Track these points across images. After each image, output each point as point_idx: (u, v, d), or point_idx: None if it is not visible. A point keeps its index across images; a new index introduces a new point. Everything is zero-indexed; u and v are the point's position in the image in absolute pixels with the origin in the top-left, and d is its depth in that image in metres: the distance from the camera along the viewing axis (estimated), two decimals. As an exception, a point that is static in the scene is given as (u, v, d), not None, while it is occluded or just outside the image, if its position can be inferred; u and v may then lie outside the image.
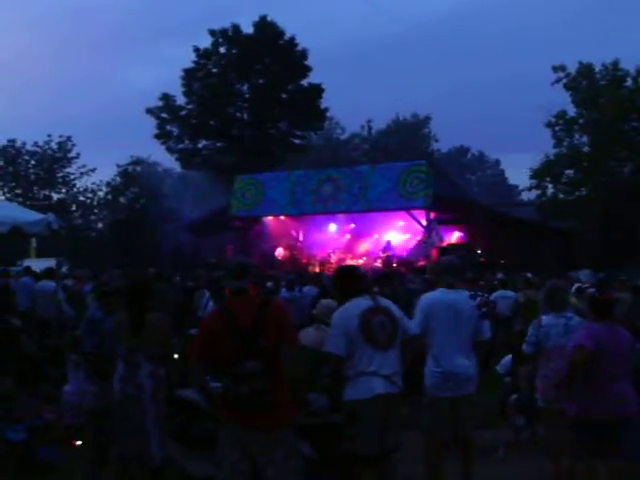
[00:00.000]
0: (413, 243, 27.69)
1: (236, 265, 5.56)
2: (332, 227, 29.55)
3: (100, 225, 49.59)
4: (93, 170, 45.99)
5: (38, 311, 14.92)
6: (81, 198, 46.84)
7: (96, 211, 48.81)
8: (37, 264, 18.87)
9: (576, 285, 15.83)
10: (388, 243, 27.71)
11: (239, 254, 28.13)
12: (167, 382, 6.43)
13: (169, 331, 6.59)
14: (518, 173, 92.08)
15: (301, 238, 29.65)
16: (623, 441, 6.21)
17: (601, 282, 15.40)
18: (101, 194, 47.09)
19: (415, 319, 6.72)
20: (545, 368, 7.21)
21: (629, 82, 35.20)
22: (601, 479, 6.33)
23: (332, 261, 28.39)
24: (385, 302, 6.08)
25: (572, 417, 6.38)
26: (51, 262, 19.01)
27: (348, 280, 6.27)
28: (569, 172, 36.27)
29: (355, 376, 5.84)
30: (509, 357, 10.29)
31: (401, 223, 27.88)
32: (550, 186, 36.50)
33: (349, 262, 28.11)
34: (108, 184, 46.53)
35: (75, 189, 46.67)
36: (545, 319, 7.31)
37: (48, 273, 16.40)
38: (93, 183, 46.52)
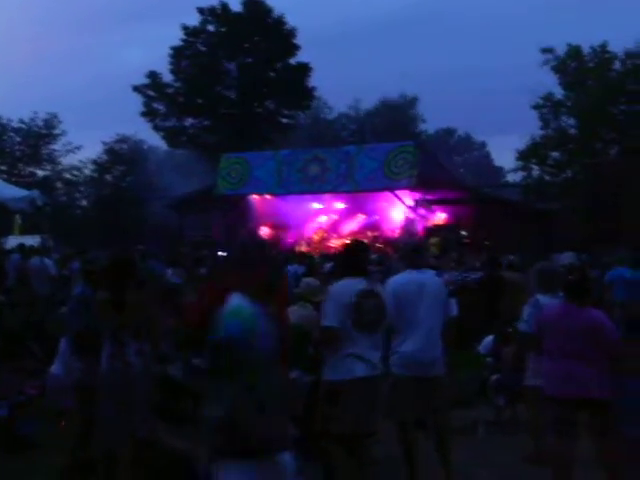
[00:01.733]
0: (399, 224, 27.70)
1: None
2: (318, 207, 29.52)
3: (85, 203, 49.44)
4: (79, 148, 45.84)
5: (32, 288, 14.94)
6: (66, 175, 46.66)
7: (81, 189, 48.65)
8: (21, 241, 18.83)
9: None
10: (374, 223, 27.70)
11: (225, 233, 28.12)
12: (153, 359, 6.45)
13: (154, 308, 6.59)
14: (504, 155, 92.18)
15: (287, 217, 29.59)
16: (604, 423, 6.22)
17: (581, 264, 15.54)
18: (87, 172, 46.95)
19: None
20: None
21: (617, 65, 35.27)
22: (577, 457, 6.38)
23: (316, 241, 28.40)
24: (377, 286, 6.14)
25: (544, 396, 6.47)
26: (35, 239, 18.97)
27: (356, 255, 6.27)
28: (555, 154, 36.36)
29: (337, 357, 5.88)
30: (491, 337, 10.36)
31: (387, 204, 27.88)
32: (536, 168, 36.59)
33: (334, 242, 28.18)
34: (94, 162, 46.38)
35: (60, 166, 46.50)
36: (542, 299, 7.39)
37: (36, 250, 16.44)
38: (79, 161, 46.39)
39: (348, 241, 7.21)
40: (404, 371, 6.62)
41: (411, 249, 7.23)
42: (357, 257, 6.25)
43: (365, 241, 7.32)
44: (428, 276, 6.99)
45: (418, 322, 6.62)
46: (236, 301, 4.02)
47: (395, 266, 14.93)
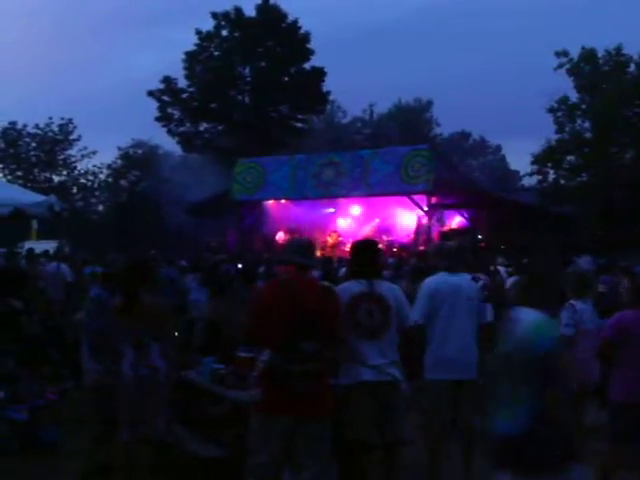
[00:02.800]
0: (414, 228, 27.67)
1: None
2: (333, 211, 29.51)
3: (101, 207, 49.63)
4: (94, 153, 46.09)
5: (48, 293, 15.01)
6: (82, 180, 46.87)
7: (97, 194, 48.83)
8: (38, 246, 18.93)
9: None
10: (389, 228, 27.67)
11: (240, 238, 28.16)
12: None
13: (165, 313, 6.56)
14: (519, 159, 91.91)
15: (302, 222, 29.60)
16: None
17: (602, 268, 15.42)
18: (102, 177, 47.12)
19: (417, 305, 6.61)
20: (576, 351, 7.33)
21: (632, 68, 35.11)
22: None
23: (329, 244, 28.40)
24: (382, 288, 5.91)
25: (609, 401, 6.44)
26: (52, 244, 19.06)
27: (363, 254, 6.19)
28: (571, 158, 36.22)
29: (346, 361, 5.86)
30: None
31: (402, 208, 27.85)
32: (551, 172, 36.46)
33: (349, 247, 28.13)
34: (109, 166, 46.56)
35: (76, 171, 46.69)
36: (577, 304, 7.46)
37: (53, 255, 16.51)
38: (94, 166, 46.58)
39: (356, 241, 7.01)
40: (438, 375, 6.57)
41: (453, 251, 7.17)
42: (361, 258, 6.17)
43: (375, 241, 7.12)
44: (464, 279, 6.91)
45: (453, 325, 6.55)
46: (533, 315, 4.07)
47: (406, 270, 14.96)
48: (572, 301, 7.58)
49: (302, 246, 5.44)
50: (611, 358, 6.45)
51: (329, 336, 5.06)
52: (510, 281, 14.98)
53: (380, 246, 6.66)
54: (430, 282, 6.81)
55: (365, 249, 6.30)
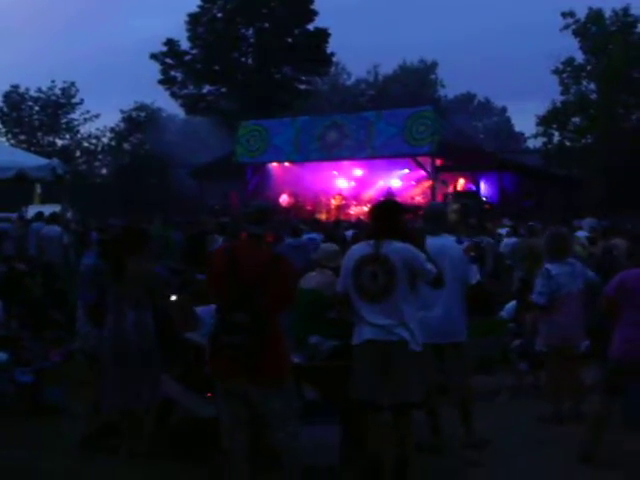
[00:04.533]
0: (420, 190, 27.63)
1: (257, 209, 5.44)
2: (337, 174, 29.46)
3: (104, 171, 49.60)
4: (97, 116, 46.01)
5: (45, 256, 15.04)
6: (85, 144, 46.79)
7: (100, 157, 48.77)
8: (41, 210, 18.91)
9: (581, 233, 15.86)
10: (389, 189, 27.56)
11: (243, 200, 28.14)
12: (167, 326, 6.44)
13: (155, 277, 6.52)
14: (525, 121, 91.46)
15: (306, 185, 29.57)
16: None
17: (604, 229, 15.41)
18: (105, 140, 47.04)
19: None
20: (555, 314, 7.32)
21: (639, 28, 34.85)
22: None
23: (334, 207, 28.41)
24: (389, 249, 5.72)
25: (610, 358, 6.43)
26: (55, 208, 19.03)
27: (376, 215, 6.07)
28: (576, 120, 36.07)
29: (355, 322, 5.86)
30: (513, 303, 10.35)
31: (406, 170, 27.79)
32: (556, 133, 36.34)
33: (354, 209, 28.14)
34: (112, 130, 46.46)
35: (79, 135, 46.63)
36: (552, 268, 7.39)
37: (53, 218, 16.50)
38: (97, 129, 46.50)
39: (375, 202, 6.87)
40: (424, 338, 6.56)
41: (431, 215, 7.14)
42: (374, 219, 6.06)
43: (394, 202, 6.95)
44: (447, 242, 6.86)
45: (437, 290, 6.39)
46: None
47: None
48: (548, 265, 7.55)
49: (255, 213, 5.38)
50: (613, 315, 6.44)
51: (266, 307, 5.01)
52: (508, 242, 15.05)
53: (400, 207, 6.42)
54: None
55: (378, 210, 6.15)
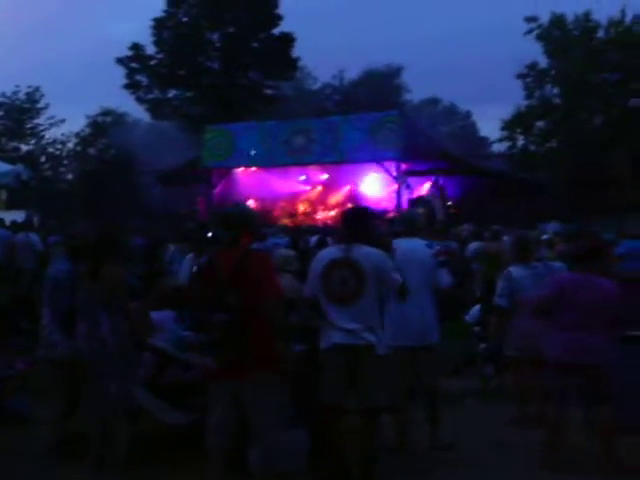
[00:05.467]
0: (386, 194, 27.68)
1: (223, 215, 5.55)
2: (303, 179, 29.45)
3: (70, 176, 49.21)
4: (62, 121, 45.65)
5: (17, 263, 14.93)
6: (50, 150, 46.40)
7: (65, 162, 48.39)
8: (7, 216, 18.77)
9: (545, 237, 15.99)
10: (356, 194, 27.60)
11: (209, 206, 28.04)
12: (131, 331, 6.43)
13: (121, 285, 6.49)
14: (489, 125, 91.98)
15: (272, 190, 29.53)
16: (597, 389, 6.30)
17: (569, 233, 15.55)
18: (70, 145, 46.69)
19: None
20: (517, 318, 7.40)
21: (601, 33, 35.24)
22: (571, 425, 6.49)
23: (300, 213, 28.39)
24: (359, 253, 5.81)
25: (549, 362, 6.51)
26: (21, 214, 18.91)
27: (346, 221, 6.14)
28: (540, 124, 36.40)
29: (323, 326, 5.90)
30: (477, 307, 10.45)
31: (373, 174, 27.84)
32: (521, 138, 36.64)
33: (320, 214, 28.16)
34: (77, 135, 46.13)
35: (44, 140, 46.20)
36: (514, 271, 7.48)
37: (26, 225, 16.42)
38: (62, 134, 46.13)
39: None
40: (396, 342, 6.47)
41: (403, 219, 7.25)
42: (345, 224, 6.12)
43: (365, 208, 7.06)
44: (418, 245, 6.95)
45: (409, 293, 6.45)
46: None
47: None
48: (511, 268, 7.64)
49: (224, 218, 5.49)
50: (545, 314, 6.54)
51: (243, 303, 5.11)
52: (472, 247, 15.15)
53: (370, 213, 6.50)
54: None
55: (349, 216, 6.25)
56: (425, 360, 6.87)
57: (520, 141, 36.57)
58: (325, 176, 28.89)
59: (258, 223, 5.47)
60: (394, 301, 6.20)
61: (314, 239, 15.80)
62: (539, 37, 35.75)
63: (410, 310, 6.56)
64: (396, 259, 6.46)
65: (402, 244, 6.78)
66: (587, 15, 35.16)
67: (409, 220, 7.21)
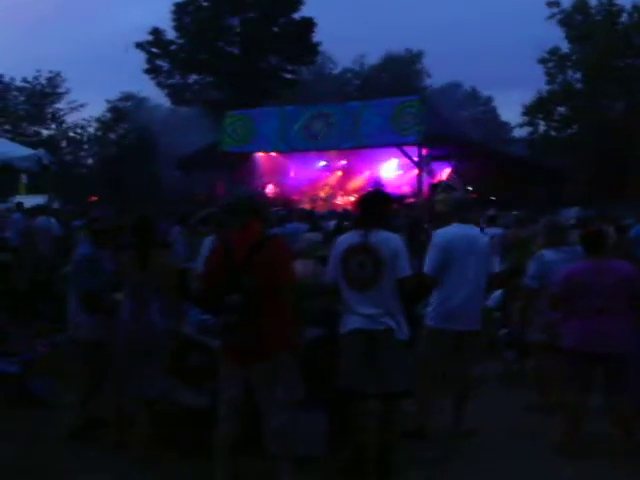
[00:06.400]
0: (406, 179, 27.63)
1: (233, 201, 5.57)
2: (323, 164, 29.42)
3: (90, 161, 49.40)
4: (82, 106, 45.75)
5: (34, 247, 14.99)
6: (71, 134, 46.57)
7: (86, 147, 48.57)
8: (27, 200, 18.87)
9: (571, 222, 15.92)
10: (377, 179, 27.58)
11: (229, 190, 28.06)
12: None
13: (173, 265, 6.66)
14: (510, 110, 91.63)
15: (292, 175, 29.53)
16: (620, 378, 6.27)
17: (586, 218, 15.48)
18: (91, 130, 46.85)
19: (430, 256, 6.67)
20: (544, 303, 7.34)
21: (624, 17, 34.91)
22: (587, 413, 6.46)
23: (321, 198, 28.39)
24: (378, 238, 5.77)
25: (562, 351, 6.48)
26: (41, 199, 18.98)
27: (364, 205, 6.10)
28: (561, 109, 36.17)
29: (342, 311, 5.90)
30: (499, 292, 10.39)
31: (393, 159, 27.77)
32: (542, 123, 36.44)
33: (340, 199, 28.15)
34: (98, 120, 46.25)
35: (65, 125, 46.38)
36: (547, 254, 7.41)
37: (42, 209, 16.49)
38: (83, 119, 46.26)
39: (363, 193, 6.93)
40: (443, 324, 6.64)
41: (457, 203, 7.18)
42: (362, 209, 6.07)
43: (382, 192, 6.98)
44: (476, 232, 6.99)
45: (466, 278, 6.62)
46: None
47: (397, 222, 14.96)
48: (544, 250, 7.59)
49: (233, 205, 5.54)
50: (561, 306, 6.52)
51: (258, 286, 5.14)
52: (490, 232, 15.05)
53: (389, 197, 6.47)
54: (444, 234, 6.81)
55: (367, 200, 6.19)
56: (470, 345, 6.86)
57: (541, 126, 36.35)
58: (344, 161, 28.84)
59: (266, 208, 5.47)
60: (452, 285, 6.41)
61: (331, 224, 15.75)
62: (561, 22, 35.47)
63: (463, 294, 6.61)
64: (453, 244, 6.55)
65: (460, 229, 6.79)
66: (610, 0, 34.83)
67: (460, 204, 7.12)
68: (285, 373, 5.25)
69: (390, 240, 5.81)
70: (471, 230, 6.89)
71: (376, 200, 6.21)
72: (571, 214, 18.48)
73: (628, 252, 11.93)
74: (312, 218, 17.68)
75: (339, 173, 29.29)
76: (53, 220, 16.08)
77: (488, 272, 6.92)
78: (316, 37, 45.82)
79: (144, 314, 6.23)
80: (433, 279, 6.63)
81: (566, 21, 35.48)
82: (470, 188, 26.32)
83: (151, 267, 6.29)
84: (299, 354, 5.40)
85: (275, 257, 5.26)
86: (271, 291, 5.18)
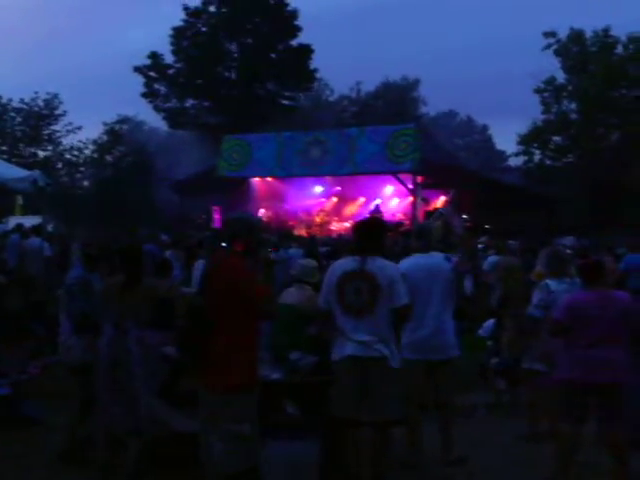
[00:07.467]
0: (401, 207, 27.73)
1: (226, 226, 5.60)
2: (319, 189, 29.51)
3: (86, 183, 49.37)
4: (79, 128, 45.72)
5: (26, 268, 14.98)
6: (67, 156, 46.60)
7: (82, 169, 48.57)
8: (23, 221, 18.87)
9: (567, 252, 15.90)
10: (377, 207, 27.67)
11: (225, 215, 28.09)
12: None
13: (153, 298, 6.60)
14: (506, 139, 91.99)
15: (288, 200, 29.62)
16: (616, 407, 6.24)
17: (584, 248, 15.49)
18: (87, 152, 46.88)
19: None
20: (545, 332, 7.33)
21: (619, 49, 35.18)
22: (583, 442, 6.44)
23: (316, 224, 28.44)
24: (375, 266, 5.78)
25: (559, 381, 6.47)
26: (37, 219, 18.99)
27: (361, 232, 6.08)
28: (557, 139, 36.37)
29: (337, 337, 5.89)
30: (491, 321, 10.39)
31: (388, 187, 27.88)
32: (537, 152, 36.61)
33: (335, 225, 28.21)
34: (94, 142, 46.30)
35: (61, 147, 46.41)
36: (552, 284, 7.42)
37: (35, 230, 16.48)
38: (79, 141, 46.29)
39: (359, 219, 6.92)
40: (413, 354, 6.59)
41: (420, 232, 7.23)
42: (359, 235, 6.06)
43: (378, 219, 6.97)
44: (438, 260, 6.94)
45: (432, 307, 6.62)
46: None
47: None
48: (548, 280, 7.59)
49: (225, 230, 5.55)
50: (559, 338, 6.52)
51: (215, 313, 5.06)
52: (490, 260, 15.08)
53: (384, 225, 6.51)
54: (403, 264, 6.74)
55: (363, 226, 6.20)
56: (443, 374, 6.86)
57: (537, 155, 36.53)
58: (340, 187, 28.94)
59: (254, 232, 5.38)
60: (416, 315, 6.29)
61: (323, 250, 15.78)
62: (557, 52, 35.74)
63: (429, 324, 6.61)
64: (413, 274, 6.49)
65: (420, 259, 6.81)
66: (606, 31, 35.11)
67: (425, 233, 7.19)
68: (238, 405, 5.03)
69: (387, 267, 5.83)
70: (431, 258, 6.87)
71: (372, 227, 6.23)
72: (566, 243, 18.49)
73: (620, 282, 11.95)
74: (312, 244, 17.68)
75: (334, 199, 29.38)
76: (43, 241, 16.06)
77: (456, 298, 6.93)
78: (313, 64, 46.11)
79: (123, 340, 6.22)
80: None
81: (562, 51, 35.76)
82: (465, 216, 26.37)
83: (131, 298, 6.29)
84: (252, 390, 5.13)
85: (230, 279, 5.08)
86: (229, 313, 5.02)
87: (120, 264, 6.54)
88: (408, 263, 6.82)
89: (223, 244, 5.49)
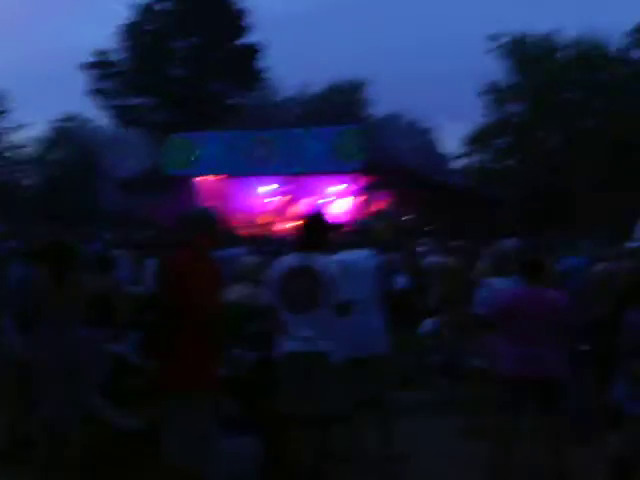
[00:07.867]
0: (345, 207, 27.84)
1: (182, 218, 5.64)
2: (264, 189, 29.49)
3: (28, 182, 48.60)
4: (22, 126, 44.98)
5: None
6: (7, 154, 45.82)
7: (25, 167, 47.79)
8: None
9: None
10: (320, 207, 27.72)
11: (170, 213, 27.94)
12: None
13: (87, 291, 6.62)
14: (449, 142, 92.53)
15: (233, 199, 29.56)
16: (553, 402, 6.40)
17: (527, 249, 15.71)
18: (31, 150, 46.15)
19: None
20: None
21: (559, 54, 35.79)
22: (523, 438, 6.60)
23: (260, 223, 28.43)
24: (318, 262, 5.83)
25: (496, 377, 6.65)
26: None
27: (306, 228, 6.15)
28: (499, 141, 36.85)
29: (279, 334, 5.94)
30: (430, 320, 10.55)
31: (333, 187, 27.98)
32: (480, 155, 37.05)
33: (280, 225, 28.23)
34: (39, 140, 45.62)
35: (1, 145, 45.61)
36: (496, 282, 7.57)
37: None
38: (22, 139, 45.56)
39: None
40: (346, 352, 6.47)
41: (360, 230, 7.33)
42: (304, 231, 6.14)
43: (323, 215, 6.99)
44: (357, 257, 6.97)
45: (356, 305, 6.43)
46: None
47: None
48: (492, 279, 7.73)
49: (187, 226, 5.42)
50: (491, 329, 6.69)
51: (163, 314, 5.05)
52: (430, 260, 15.26)
53: (329, 223, 6.49)
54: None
55: (308, 223, 6.22)
56: (372, 371, 6.88)
57: (479, 158, 36.98)
58: (285, 187, 28.96)
59: (218, 227, 5.39)
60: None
61: (268, 248, 15.81)
62: (501, 56, 36.24)
63: (355, 321, 6.49)
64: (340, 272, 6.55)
65: (345, 257, 6.81)
66: (548, 36, 35.69)
67: (362, 231, 7.29)
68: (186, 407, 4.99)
69: (331, 265, 5.90)
70: (355, 255, 6.94)
71: (317, 224, 6.25)
72: (509, 244, 18.68)
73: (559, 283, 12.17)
74: (255, 242, 17.68)
75: (279, 199, 29.39)
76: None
77: (381, 293, 6.95)
78: (261, 64, 45.99)
79: (60, 338, 6.24)
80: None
81: (506, 54, 36.24)
82: (408, 217, 26.61)
83: (64, 295, 6.29)
84: (214, 391, 5.16)
85: (174, 278, 5.06)
86: (182, 312, 4.97)
87: (49, 261, 6.51)
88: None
89: (173, 242, 5.48)
